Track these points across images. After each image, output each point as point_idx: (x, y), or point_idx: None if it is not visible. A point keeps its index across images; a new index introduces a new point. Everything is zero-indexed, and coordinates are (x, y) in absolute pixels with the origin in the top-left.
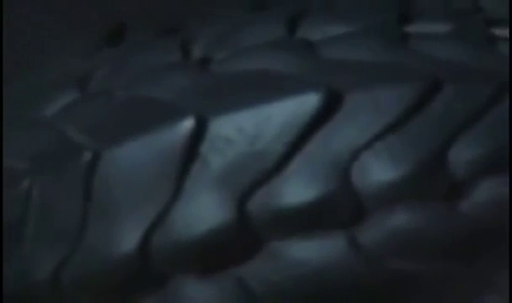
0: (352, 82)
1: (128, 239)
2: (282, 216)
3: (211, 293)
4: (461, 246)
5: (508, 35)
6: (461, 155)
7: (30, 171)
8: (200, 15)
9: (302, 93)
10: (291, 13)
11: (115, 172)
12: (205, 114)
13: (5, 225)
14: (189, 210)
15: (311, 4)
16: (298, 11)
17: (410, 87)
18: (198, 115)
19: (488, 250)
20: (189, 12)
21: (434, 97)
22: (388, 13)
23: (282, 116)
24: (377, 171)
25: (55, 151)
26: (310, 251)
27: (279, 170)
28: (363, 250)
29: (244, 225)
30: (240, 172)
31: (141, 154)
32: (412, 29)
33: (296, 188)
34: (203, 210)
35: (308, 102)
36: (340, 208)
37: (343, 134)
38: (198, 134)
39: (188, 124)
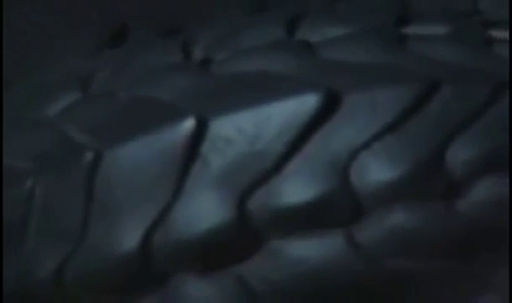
0: (351, 83)
1: (129, 238)
2: (282, 215)
3: (212, 291)
4: (459, 245)
5: (505, 37)
6: (459, 155)
7: (33, 171)
8: (201, 17)
9: (301, 94)
10: (291, 14)
11: (117, 171)
12: (205, 115)
13: (8, 225)
14: (190, 210)
15: (310, 6)
16: (297, 13)
17: (408, 88)
18: (198, 116)
19: (486, 249)
20: (190, 13)
21: (432, 97)
22: (386, 15)
23: (281, 116)
24: (375, 171)
25: (57, 151)
26: (309, 249)
27: (278, 170)
28: (361, 249)
29: (244, 225)
30: (240, 172)
31: (142, 154)
32: (410, 30)
33: (296, 188)
34: (203, 210)
35: (307, 102)
36: (339, 207)
37: (341, 134)
38: (198, 134)
39: (188, 124)
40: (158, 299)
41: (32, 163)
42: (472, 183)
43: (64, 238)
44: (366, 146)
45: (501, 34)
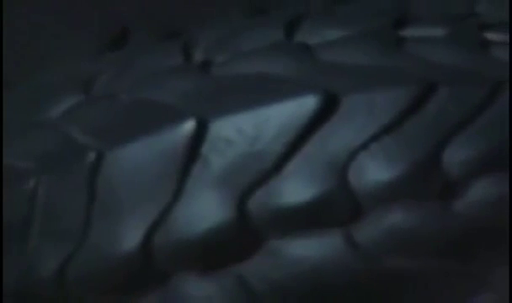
0: (349, 84)
1: (131, 237)
2: (281, 215)
3: (212, 290)
4: (456, 244)
5: (501, 39)
6: (455, 155)
7: (36, 171)
8: (201, 19)
9: (300, 96)
10: (290, 17)
11: (119, 172)
12: (205, 116)
13: (11, 224)
14: (191, 210)
15: (309, 8)
16: (296, 15)
17: (405, 90)
18: (199, 117)
19: (483, 249)
20: (190, 16)
21: (429, 99)
22: (384, 18)
23: (281, 118)
24: (373, 171)
25: (60, 152)
26: (308, 249)
27: (278, 170)
28: (360, 248)
29: (244, 224)
30: (240, 173)
31: (143, 155)
32: (407, 33)
33: (295, 188)
34: (204, 210)
35: (306, 104)
36: (337, 207)
37: (340, 135)
38: (199, 135)
39: (189, 125)
40: (159, 298)
41: (35, 163)
42: (469, 183)
43: (66, 238)
44: (364, 146)
45: (497, 36)
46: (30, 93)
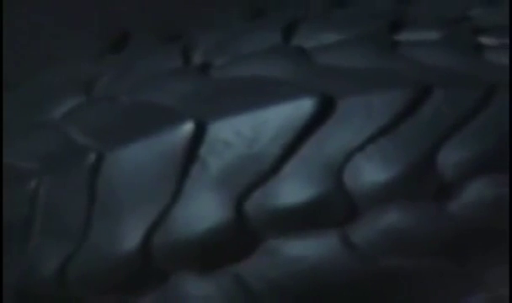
0: (345, 87)
1: (130, 237)
2: (278, 216)
3: (210, 290)
4: (450, 245)
5: (494, 43)
6: (450, 157)
7: (37, 171)
8: (200, 23)
9: (297, 98)
10: (287, 21)
11: (118, 173)
12: (204, 118)
13: (12, 224)
14: (189, 210)
15: (307, 12)
16: (294, 19)
17: (401, 93)
18: (197, 119)
19: (477, 249)
20: (190, 19)
21: (424, 101)
22: (380, 22)
23: (278, 120)
24: (369, 172)
25: (61, 153)
26: (305, 249)
27: (275, 172)
28: (356, 248)
29: (242, 225)
30: (238, 174)
31: (143, 156)
32: (403, 36)
33: (292, 189)
34: (202, 210)
35: (303, 106)
36: (334, 208)
37: (336, 137)
38: (197, 137)
39: (188, 127)
40: (158, 297)
41: (36, 164)
42: (463, 184)
43: (67, 237)
44: (360, 148)
45: (491, 40)
46: (32, 95)
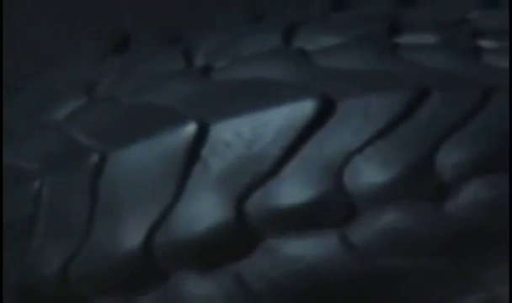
0: (345, 89)
1: (132, 237)
2: (278, 216)
3: (211, 288)
4: (448, 245)
5: (492, 46)
6: (448, 158)
7: (41, 172)
8: (202, 25)
9: (298, 100)
10: (288, 23)
11: (121, 173)
12: (205, 120)
13: (16, 223)
14: (190, 210)
15: (307, 15)
16: (294, 22)
17: (400, 95)
18: (199, 121)
19: (474, 249)
20: (191, 22)
21: (423, 103)
22: (379, 25)
23: (278, 121)
24: (368, 173)
25: (64, 154)
26: (304, 248)
27: (275, 172)
28: (355, 248)
29: (242, 224)
30: (238, 174)
31: (145, 157)
32: (401, 39)
33: (292, 190)
34: (203, 210)
35: (303, 108)
36: (333, 208)
37: (336, 138)
38: (199, 138)
39: (189, 128)
40: (159, 296)
41: (39, 165)
42: (461, 185)
43: (69, 237)
44: (360, 149)
45: (489, 43)
46: (35, 96)
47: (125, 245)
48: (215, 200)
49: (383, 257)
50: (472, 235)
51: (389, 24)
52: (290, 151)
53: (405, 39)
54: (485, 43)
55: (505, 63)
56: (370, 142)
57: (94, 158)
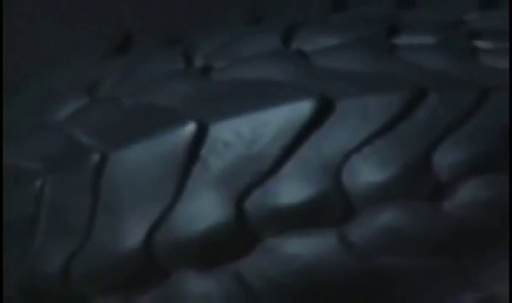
0: (343, 89)
1: (133, 235)
2: (277, 215)
3: (210, 287)
4: (445, 243)
5: (489, 47)
6: (445, 158)
7: (42, 171)
8: (202, 26)
9: (296, 100)
10: (287, 25)
11: (122, 173)
12: (205, 120)
13: (18, 223)
14: (190, 209)
15: (306, 17)
16: (293, 23)
17: (397, 95)
18: (199, 121)
19: (471, 248)
20: (191, 23)
21: (420, 104)
22: (377, 26)
23: (277, 121)
24: (366, 172)
25: (65, 153)
26: (303, 247)
27: (274, 172)
28: (353, 247)
29: (241, 223)
30: (238, 174)
31: (145, 156)
32: (399, 40)
33: (291, 189)
34: (203, 209)
35: (302, 108)
36: (332, 207)
37: (334, 138)
38: (199, 138)
39: (189, 128)
40: (159, 294)
41: (41, 164)
42: (458, 184)
43: (71, 236)
44: (358, 149)
45: (486, 44)
46: (36, 96)
47: (126, 244)
48: (214, 200)
49: (381, 256)
50: (468, 234)
51: (387, 26)
52: (289, 150)
53: (403, 40)
54: (482, 44)
55: (502, 63)
56: (368, 142)
57: (95, 158)
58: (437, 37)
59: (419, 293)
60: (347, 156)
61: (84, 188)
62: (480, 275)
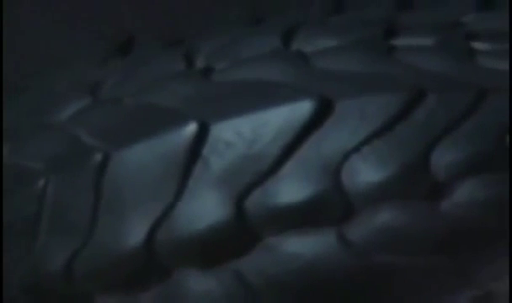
0: (342, 90)
1: (135, 234)
2: (277, 214)
3: (211, 285)
4: (442, 243)
5: (486, 48)
6: (443, 158)
7: (45, 171)
8: (203, 28)
9: (296, 101)
10: (287, 26)
11: (124, 172)
12: (206, 120)
13: (21, 222)
14: (191, 208)
15: (306, 19)
16: (293, 25)
17: (396, 96)
18: (200, 121)
19: (468, 248)
20: (192, 24)
21: (418, 105)
22: (376, 28)
23: (278, 122)
24: (365, 172)
25: (68, 153)
26: (303, 246)
27: (274, 171)
28: (352, 245)
29: (242, 222)
30: (238, 173)
31: (147, 156)
32: (398, 42)
33: (290, 188)
34: (204, 208)
35: (302, 109)
36: (331, 207)
37: (333, 138)
38: (200, 138)
39: (191, 128)
40: (161, 292)
41: (44, 164)
42: (455, 184)
43: (73, 234)
44: (357, 149)
45: (483, 45)
46: (39, 97)
47: (128, 242)
48: (215, 199)
49: (380, 255)
50: (466, 233)
51: (386, 28)
52: (289, 150)
53: (401, 41)
54: (479, 45)
55: (499, 65)
56: (366, 142)
57: (98, 158)
58: (435, 39)
59: (418, 291)
60: (346, 157)
61: (86, 188)
62: (477, 274)
